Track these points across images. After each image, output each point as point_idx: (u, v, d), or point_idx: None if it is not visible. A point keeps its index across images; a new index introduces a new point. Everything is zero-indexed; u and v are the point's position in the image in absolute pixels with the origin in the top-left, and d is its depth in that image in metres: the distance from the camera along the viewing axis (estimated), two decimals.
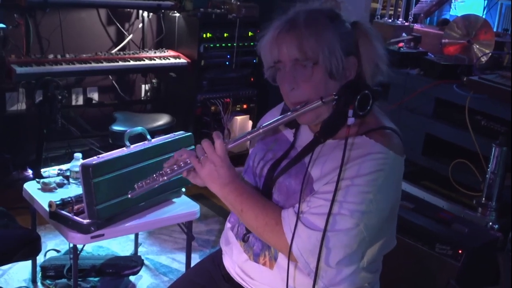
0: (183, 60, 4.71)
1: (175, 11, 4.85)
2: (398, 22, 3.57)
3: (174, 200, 3.01)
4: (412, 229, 2.57)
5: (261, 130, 1.65)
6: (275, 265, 1.72)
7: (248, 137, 1.66)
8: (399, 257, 2.56)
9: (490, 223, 2.64)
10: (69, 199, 2.75)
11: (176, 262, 3.60)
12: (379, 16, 3.80)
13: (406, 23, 3.58)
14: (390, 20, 3.60)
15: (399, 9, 3.71)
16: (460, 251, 2.40)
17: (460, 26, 3.41)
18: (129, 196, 1.73)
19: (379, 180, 1.56)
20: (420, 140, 3.08)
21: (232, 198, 1.67)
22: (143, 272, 3.42)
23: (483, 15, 4.04)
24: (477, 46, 3.36)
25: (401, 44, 3.39)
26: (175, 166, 1.68)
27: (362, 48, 1.63)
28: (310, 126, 1.74)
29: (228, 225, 1.92)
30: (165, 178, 1.68)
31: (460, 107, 2.88)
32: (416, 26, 3.71)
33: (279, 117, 1.66)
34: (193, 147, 2.98)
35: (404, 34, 3.46)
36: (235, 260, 1.84)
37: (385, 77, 1.67)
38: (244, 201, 1.66)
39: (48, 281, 3.25)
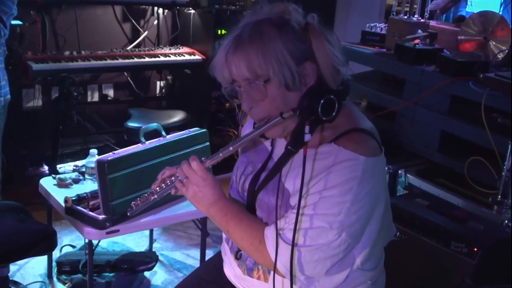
0: (198, 57, 4.72)
1: (190, 8, 4.86)
2: (414, 18, 3.54)
3: None
4: (427, 227, 2.55)
5: (231, 148, 1.63)
6: (269, 278, 1.71)
7: (220, 155, 1.64)
8: (413, 255, 2.56)
9: (506, 221, 2.62)
10: (85, 194, 2.77)
11: (191, 258, 3.61)
12: (394, 13, 3.78)
13: (422, 20, 3.55)
14: (405, 17, 3.58)
15: (415, 6, 3.68)
16: (475, 249, 2.38)
17: (476, 22, 3.38)
18: (128, 214, 1.76)
19: (354, 188, 1.52)
20: (435, 137, 3.05)
21: (218, 218, 1.67)
22: (157, 268, 3.44)
23: (500, 11, 4.00)
24: (494, 43, 3.33)
25: (416, 41, 3.36)
26: (163, 185, 1.69)
27: (316, 52, 1.56)
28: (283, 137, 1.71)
29: (224, 235, 1.91)
30: (156, 196, 1.69)
31: (476, 104, 2.85)
32: (432, 23, 3.69)
33: (247, 133, 1.64)
34: (207, 143, 2.98)
35: (419, 31, 3.44)
36: (232, 272, 1.85)
37: (347, 76, 1.62)
38: (229, 221, 1.66)
39: (63, 276, 3.28)
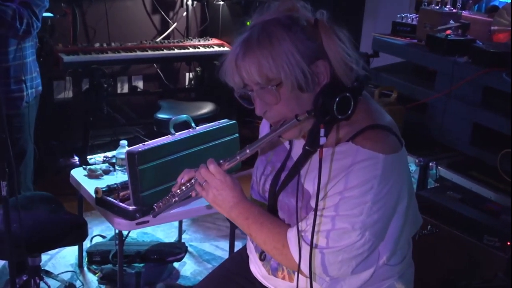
0: (227, 49, 4.71)
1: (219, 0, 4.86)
2: (446, 9, 3.49)
3: None
4: (459, 220, 2.52)
5: (248, 150, 1.61)
6: (294, 277, 1.69)
7: (238, 158, 1.62)
8: (445, 248, 2.53)
9: None
10: (115, 185, 2.78)
11: (220, 249, 3.62)
12: (426, 3, 3.73)
13: (454, 10, 3.49)
14: (437, 7, 3.53)
15: None
16: (508, 243, 2.35)
17: (510, 12, 3.32)
18: (152, 216, 1.77)
19: (374, 187, 1.49)
20: (467, 129, 3.01)
21: (239, 222, 1.66)
22: (186, 259, 3.45)
23: None
24: None
25: (448, 32, 3.31)
26: (183, 187, 1.69)
27: (327, 49, 1.51)
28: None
29: None
30: (177, 199, 1.69)
31: (509, 95, 2.80)
32: (464, 13, 3.63)
33: (264, 135, 1.62)
34: (237, 135, 2.98)
35: (451, 21, 3.38)
36: (258, 270, 1.85)
37: (361, 72, 1.56)
38: (251, 225, 1.64)
39: (94, 266, 3.31)
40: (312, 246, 1.52)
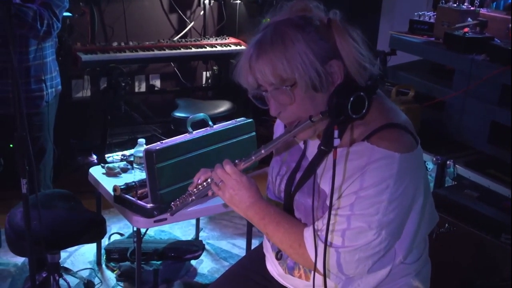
0: (244, 47, 4.72)
1: None
2: (464, 6, 3.48)
3: None
4: (477, 218, 2.52)
5: (263, 151, 1.62)
6: (311, 276, 1.70)
7: (253, 158, 1.63)
8: (462, 246, 2.53)
9: None
10: (133, 183, 2.80)
11: (237, 247, 3.63)
12: (443, 1, 3.71)
13: (472, 8, 3.48)
14: (455, 5, 3.51)
15: None
16: None
17: None
18: (169, 214, 1.82)
19: (390, 186, 1.49)
20: (485, 127, 3.00)
21: (256, 221, 1.67)
22: (204, 256, 3.47)
23: None
24: None
25: (466, 29, 3.30)
26: (199, 186, 1.71)
27: (341, 49, 1.51)
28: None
29: None
30: (193, 198, 1.72)
31: None
32: (482, 11, 3.61)
33: (276, 138, 1.63)
34: (254, 133, 2.99)
35: (469, 19, 3.37)
36: (274, 268, 1.86)
37: (375, 71, 1.56)
38: (267, 225, 1.65)
39: (112, 264, 3.34)
40: (326, 244, 1.53)
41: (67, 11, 3.61)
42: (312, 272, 1.66)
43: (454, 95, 3.16)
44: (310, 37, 1.49)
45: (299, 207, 1.70)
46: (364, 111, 1.51)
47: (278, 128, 1.89)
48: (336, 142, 1.48)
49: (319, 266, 1.57)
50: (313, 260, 1.57)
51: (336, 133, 1.48)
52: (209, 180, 1.69)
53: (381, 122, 1.54)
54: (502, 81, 2.96)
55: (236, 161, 1.65)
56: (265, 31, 1.54)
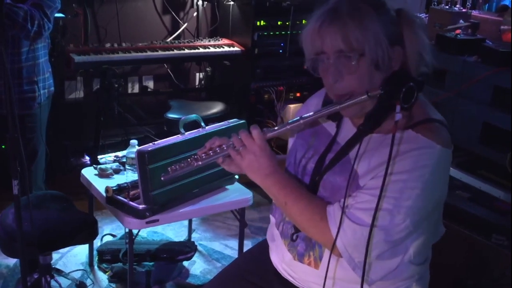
0: (237, 48, 4.73)
1: (230, 0, 4.87)
2: (456, 8, 3.49)
3: (227, 187, 3.03)
4: (468, 219, 2.53)
5: (301, 121, 1.61)
6: (320, 265, 1.71)
7: (288, 127, 1.62)
8: (454, 247, 2.53)
9: None
10: (125, 184, 2.80)
11: (229, 248, 3.63)
12: (436, 3, 3.72)
13: (464, 10, 3.49)
14: (447, 7, 3.53)
15: None
16: None
17: None
18: (162, 179, 1.74)
19: (426, 175, 1.53)
20: (477, 128, 3.01)
21: (275, 190, 1.66)
22: (196, 257, 3.47)
23: None
24: None
25: (458, 31, 3.31)
26: (210, 151, 1.67)
27: (406, 38, 1.57)
28: (353, 119, 1.71)
29: (272, 220, 1.91)
30: (200, 163, 1.67)
31: None
32: (474, 13, 3.62)
33: (322, 108, 1.64)
34: None
35: (461, 21, 3.38)
36: (280, 258, 1.84)
37: (429, 68, 1.62)
38: (288, 194, 1.64)
39: (104, 265, 3.34)
40: (372, 225, 1.52)
41: (60, 12, 3.62)
42: (323, 259, 1.68)
43: (446, 96, 3.17)
44: (383, 18, 1.55)
45: (326, 186, 1.69)
46: (412, 101, 1.54)
47: (303, 110, 1.86)
48: (398, 116, 1.50)
49: (338, 242, 1.57)
50: (333, 235, 1.57)
51: (398, 108, 1.50)
52: (224, 146, 1.65)
53: (424, 115, 1.60)
54: (494, 82, 2.97)
55: (264, 129, 1.63)
56: (338, 3, 1.58)
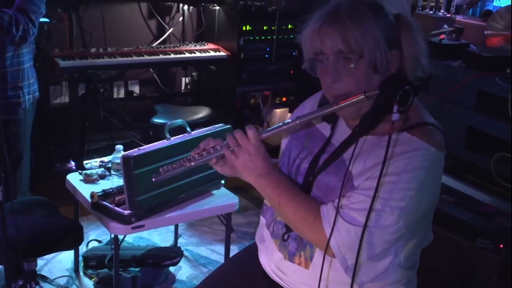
0: (223, 53, 4.73)
1: (215, 4, 4.88)
2: (440, 13, 3.52)
3: (213, 192, 3.03)
4: (453, 223, 2.54)
5: (297, 121, 1.62)
6: (310, 265, 1.71)
7: (284, 127, 1.64)
8: (439, 251, 2.54)
9: None
10: (111, 190, 2.79)
11: (216, 253, 3.63)
12: (420, 8, 3.76)
13: (448, 15, 3.53)
14: (431, 12, 3.56)
15: (441, 1, 3.66)
16: (501, 246, 2.37)
17: (503, 17, 3.35)
18: (153, 180, 1.74)
19: (420, 177, 1.54)
20: (461, 133, 3.03)
21: (269, 190, 1.65)
22: (182, 263, 3.46)
23: None
24: None
25: (442, 36, 3.34)
26: (204, 152, 1.67)
27: (404, 42, 1.60)
28: (348, 121, 1.72)
29: (263, 221, 1.91)
30: (193, 163, 1.67)
31: (503, 99, 2.83)
32: (458, 18, 3.66)
33: (319, 109, 1.65)
34: None
35: (445, 26, 3.42)
36: (270, 258, 1.84)
37: (425, 73, 1.64)
38: (282, 194, 1.64)
39: (90, 271, 3.32)
40: (365, 225, 1.52)
41: (45, 16, 3.60)
42: (312, 259, 1.69)
43: (431, 100, 3.19)
44: (382, 21, 1.57)
45: (320, 186, 1.69)
46: (408, 103, 1.55)
47: (298, 113, 1.87)
48: (395, 116, 1.51)
49: (332, 242, 1.57)
50: (327, 235, 1.58)
51: (395, 108, 1.51)
52: (218, 147, 1.66)
53: (419, 119, 1.62)
54: (478, 87, 3.00)
55: (260, 129, 1.64)
56: (339, 5, 1.60)
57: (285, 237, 1.77)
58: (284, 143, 1.91)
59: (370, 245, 1.56)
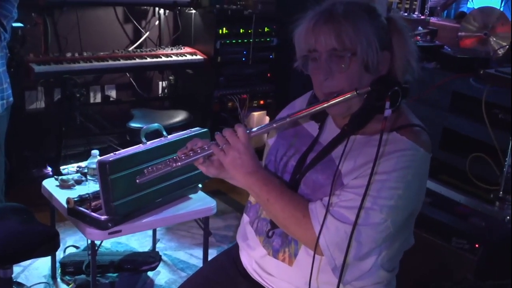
0: (199, 57, 4.73)
1: (191, 8, 4.87)
2: (414, 15, 3.55)
3: (191, 196, 3.02)
4: (429, 223, 2.56)
5: (288, 119, 1.64)
6: (294, 262, 1.71)
7: (274, 125, 1.65)
8: (415, 252, 2.55)
9: (508, 217, 2.62)
10: (87, 195, 2.77)
11: (194, 257, 3.62)
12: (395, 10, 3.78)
13: (422, 17, 3.56)
14: (406, 14, 3.59)
15: (415, 3, 3.69)
16: (477, 245, 2.39)
17: (476, 18, 3.39)
18: (137, 181, 1.72)
19: (408, 177, 1.56)
20: (437, 134, 3.06)
21: (257, 187, 1.65)
22: (161, 267, 3.44)
23: (500, 7, 4.00)
24: (494, 39, 3.34)
25: (417, 38, 3.37)
26: (190, 152, 1.67)
27: (395, 44, 1.63)
28: (336, 121, 1.74)
29: (246, 218, 1.90)
30: (179, 164, 1.66)
31: (477, 100, 2.85)
32: (433, 20, 3.69)
33: (309, 106, 1.66)
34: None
35: (420, 28, 3.44)
36: (252, 255, 1.84)
37: (414, 76, 1.67)
38: (270, 191, 1.64)
39: (67, 277, 3.29)
40: (355, 223, 1.54)
41: (19, 21, 3.57)
42: (297, 256, 1.69)
43: (406, 102, 3.20)
44: (375, 23, 1.61)
45: (307, 183, 1.70)
46: (398, 104, 1.57)
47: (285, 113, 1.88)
48: (387, 112, 1.53)
49: (321, 240, 1.57)
50: (316, 232, 1.58)
51: (388, 104, 1.53)
52: (205, 146, 1.66)
53: (406, 120, 1.65)
54: (452, 88, 3.03)
55: (249, 127, 1.65)
56: (333, 5, 1.62)
57: (270, 233, 1.77)
58: (270, 142, 1.92)
59: (358, 244, 1.57)
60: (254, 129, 1.65)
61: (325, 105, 1.61)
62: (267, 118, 4.95)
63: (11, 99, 3.28)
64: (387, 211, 1.55)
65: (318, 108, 1.62)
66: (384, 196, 1.55)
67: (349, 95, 1.57)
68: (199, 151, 1.66)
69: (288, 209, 1.63)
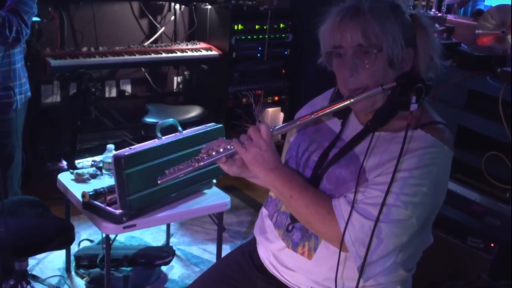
0: (214, 52, 4.73)
1: (207, 3, 4.88)
2: (431, 13, 3.53)
3: (205, 191, 3.03)
4: (444, 222, 2.54)
5: (313, 116, 1.64)
6: (314, 256, 1.71)
7: (298, 122, 1.66)
8: (430, 250, 2.55)
9: None
10: (102, 189, 2.79)
11: (207, 253, 3.63)
12: (411, 7, 3.76)
13: (439, 14, 3.53)
14: (422, 11, 3.56)
15: (432, 0, 3.66)
16: (492, 245, 2.37)
17: (494, 16, 3.35)
18: (158, 182, 1.73)
19: (433, 174, 1.56)
20: (452, 132, 3.02)
21: (279, 184, 1.65)
22: (174, 262, 3.46)
23: None
24: None
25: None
26: (213, 152, 1.67)
27: (419, 41, 1.63)
28: (359, 117, 1.74)
29: (265, 212, 1.90)
30: (201, 164, 1.67)
31: (493, 98, 2.83)
32: (449, 17, 3.66)
33: (334, 102, 1.65)
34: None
35: (436, 25, 3.42)
36: (270, 248, 1.84)
37: (438, 73, 1.67)
38: (293, 188, 1.64)
39: (81, 270, 3.31)
40: (377, 220, 1.54)
41: (36, 16, 3.59)
42: (316, 250, 1.69)
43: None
44: (400, 20, 1.61)
45: (330, 178, 1.69)
46: (421, 100, 1.57)
47: (303, 112, 1.89)
48: (413, 107, 1.54)
49: (347, 236, 1.57)
50: (341, 228, 1.58)
51: (414, 98, 1.54)
52: (228, 146, 1.66)
53: (430, 118, 1.65)
54: (468, 86, 3.01)
55: (272, 126, 1.66)
56: (359, 1, 1.62)
57: (290, 227, 1.77)
58: (291, 139, 1.92)
59: (383, 240, 1.56)
60: (278, 127, 1.66)
61: (351, 101, 1.61)
62: (282, 115, 4.94)
63: (29, 93, 3.30)
64: (412, 208, 1.54)
65: (343, 104, 1.62)
66: (409, 193, 1.54)
67: (374, 91, 1.58)
68: (221, 150, 1.67)
69: (313, 206, 1.63)
